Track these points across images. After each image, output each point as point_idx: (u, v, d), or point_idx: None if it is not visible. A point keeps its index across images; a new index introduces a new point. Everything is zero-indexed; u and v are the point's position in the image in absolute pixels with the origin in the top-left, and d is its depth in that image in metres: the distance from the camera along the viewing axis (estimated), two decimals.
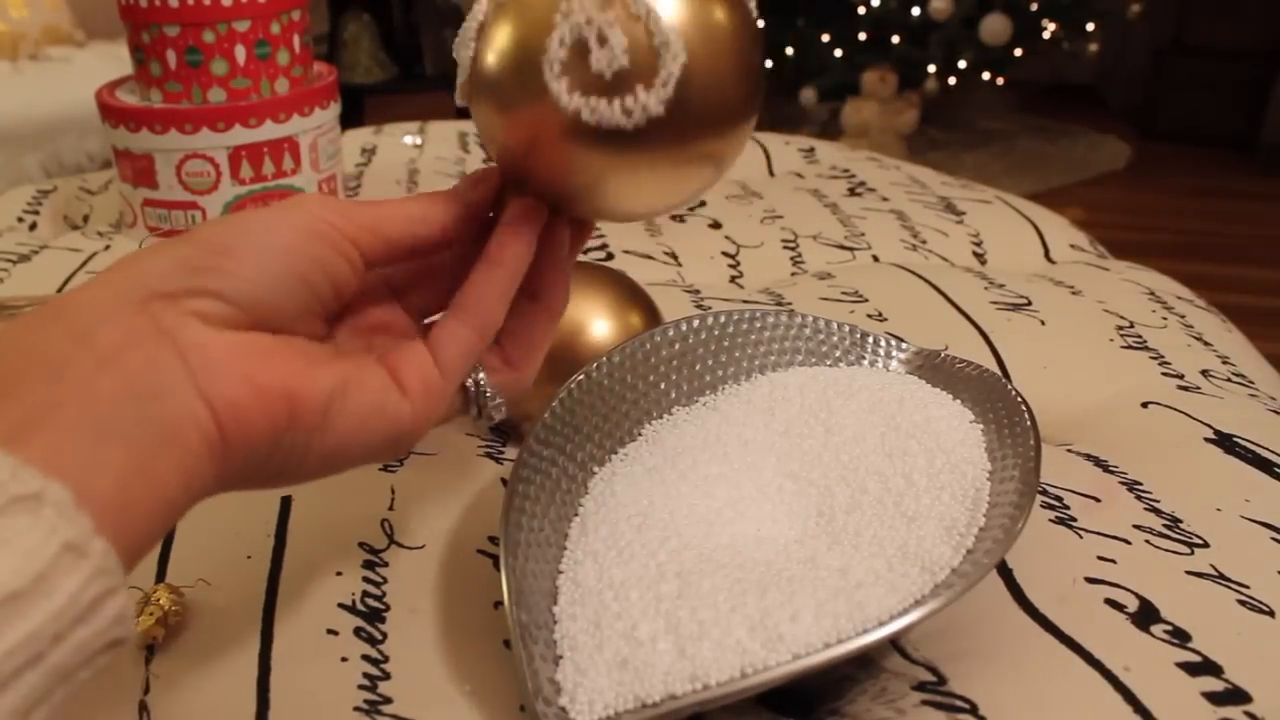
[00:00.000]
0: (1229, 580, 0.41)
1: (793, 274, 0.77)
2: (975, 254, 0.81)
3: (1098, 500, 0.47)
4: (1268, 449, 0.50)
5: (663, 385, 0.48)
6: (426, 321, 0.37)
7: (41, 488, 0.23)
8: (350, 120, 1.50)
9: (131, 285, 0.28)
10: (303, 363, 0.31)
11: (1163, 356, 0.61)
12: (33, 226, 0.91)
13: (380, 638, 0.39)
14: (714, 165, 0.36)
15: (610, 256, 0.77)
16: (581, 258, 0.76)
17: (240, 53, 0.79)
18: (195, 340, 0.28)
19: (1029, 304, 0.67)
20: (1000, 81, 2.61)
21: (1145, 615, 0.39)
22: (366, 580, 0.42)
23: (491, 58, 0.36)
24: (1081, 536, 0.44)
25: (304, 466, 0.31)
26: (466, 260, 0.36)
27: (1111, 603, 0.40)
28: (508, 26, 0.35)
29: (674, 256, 0.77)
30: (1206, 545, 0.43)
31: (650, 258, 0.77)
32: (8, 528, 0.22)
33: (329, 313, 0.34)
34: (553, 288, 0.38)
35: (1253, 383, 0.59)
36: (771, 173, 1.05)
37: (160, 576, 0.42)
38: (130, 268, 0.29)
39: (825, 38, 2.53)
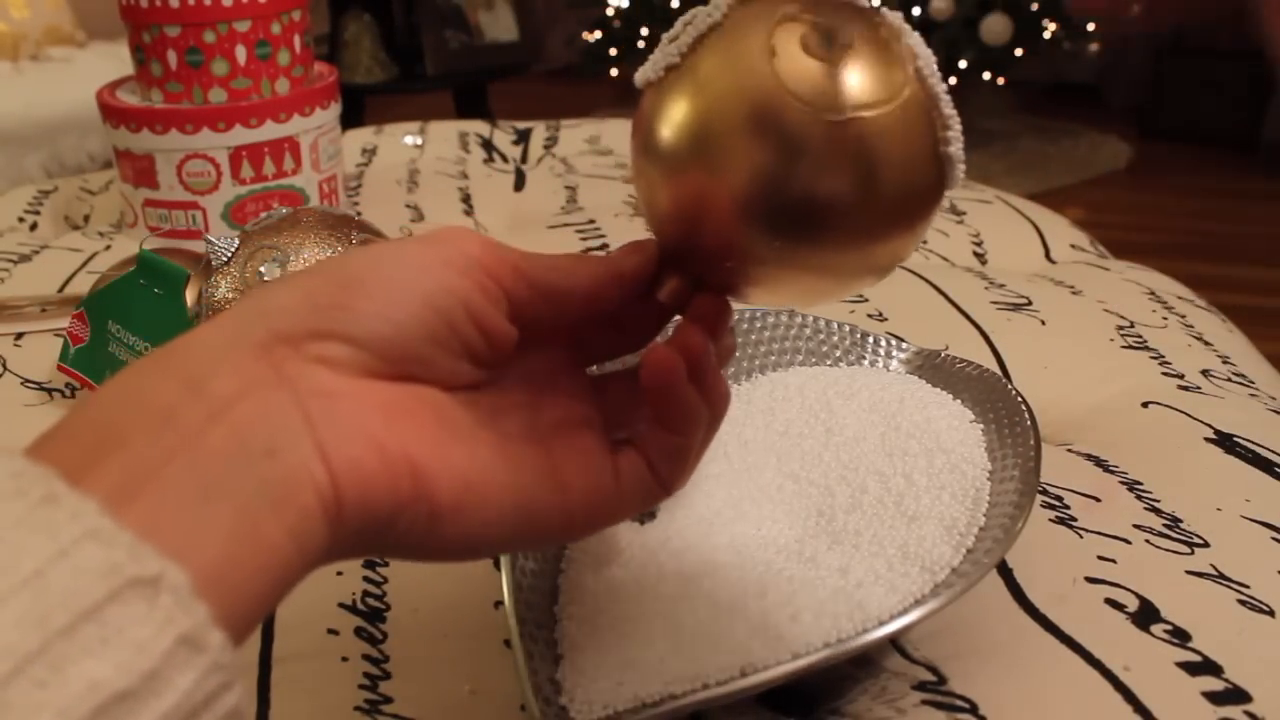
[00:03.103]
0: (1229, 580, 0.41)
1: None
2: (975, 254, 0.81)
3: (1098, 500, 0.47)
4: (1268, 449, 0.50)
5: None
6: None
7: (161, 571, 0.21)
8: (351, 120, 1.50)
9: (252, 325, 0.26)
10: (435, 429, 0.27)
11: (1163, 356, 0.61)
12: (34, 227, 0.91)
13: (380, 638, 0.39)
14: (892, 264, 0.32)
15: None
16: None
17: (241, 53, 0.79)
18: (319, 388, 0.26)
19: (1029, 304, 0.67)
20: (1001, 81, 2.61)
21: (1145, 615, 0.39)
22: (367, 580, 0.42)
23: (685, 109, 0.30)
24: (1081, 536, 0.44)
25: (430, 547, 0.28)
26: (625, 333, 0.33)
27: (1111, 602, 0.40)
28: (716, 78, 0.29)
29: None
30: (1206, 545, 0.43)
31: None
32: (121, 616, 0.20)
33: (480, 360, 0.29)
34: (715, 387, 0.31)
35: (1253, 383, 0.59)
36: None
37: None
38: (253, 305, 0.26)
39: None
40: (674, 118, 0.30)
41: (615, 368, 0.35)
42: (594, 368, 0.34)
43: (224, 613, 0.22)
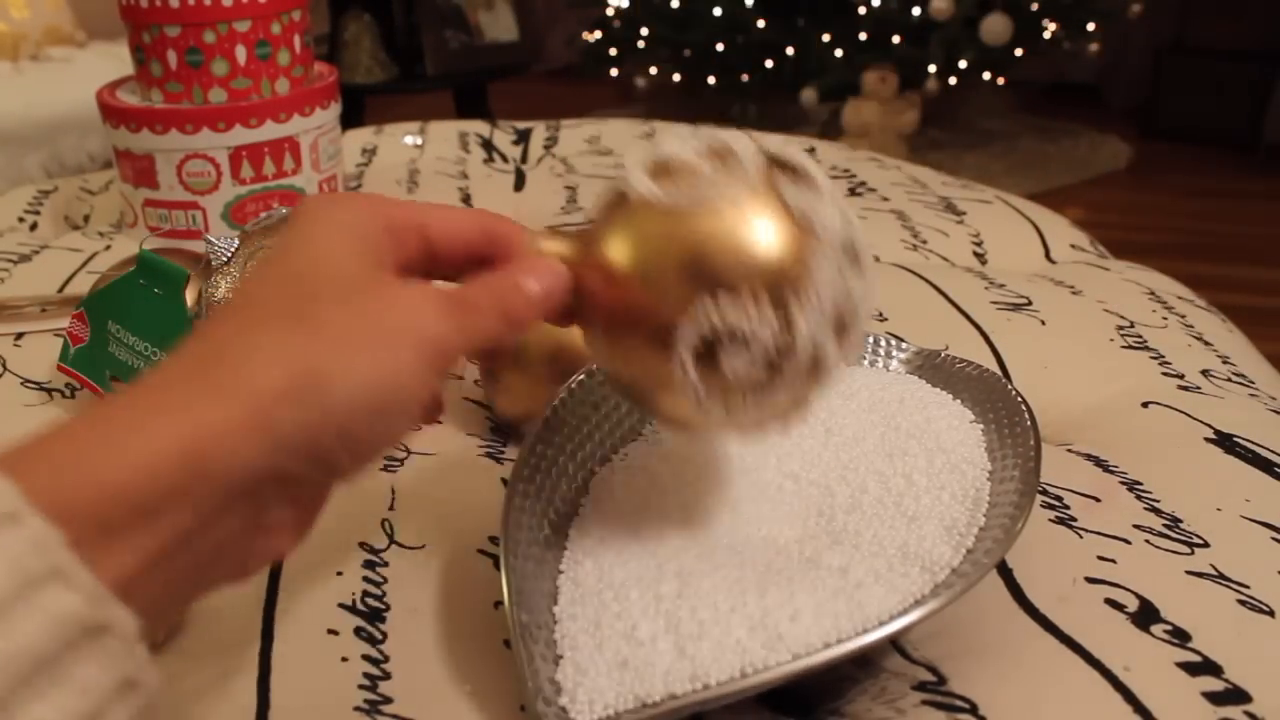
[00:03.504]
0: (1229, 580, 0.41)
1: None
2: (975, 254, 0.81)
3: (1098, 500, 0.47)
4: (1268, 449, 0.50)
5: None
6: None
7: (113, 620, 0.23)
8: (351, 120, 1.50)
9: (261, 456, 0.26)
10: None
11: (1163, 356, 0.61)
12: (33, 227, 0.91)
13: (380, 638, 0.39)
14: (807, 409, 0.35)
15: None
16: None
17: (241, 53, 0.79)
18: (277, 521, 0.29)
19: (1029, 304, 0.67)
20: (1001, 81, 2.61)
21: (1145, 615, 0.39)
22: (367, 580, 0.42)
23: (610, 290, 0.33)
24: (1081, 536, 0.44)
25: None
26: None
27: (1111, 603, 0.40)
28: (632, 265, 0.33)
29: None
30: (1206, 545, 0.43)
31: None
32: (72, 660, 0.22)
33: None
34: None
35: (1253, 383, 0.59)
36: None
37: None
38: (265, 421, 0.26)
39: (825, 38, 2.53)
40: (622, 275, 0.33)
41: None
42: None
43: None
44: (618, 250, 0.33)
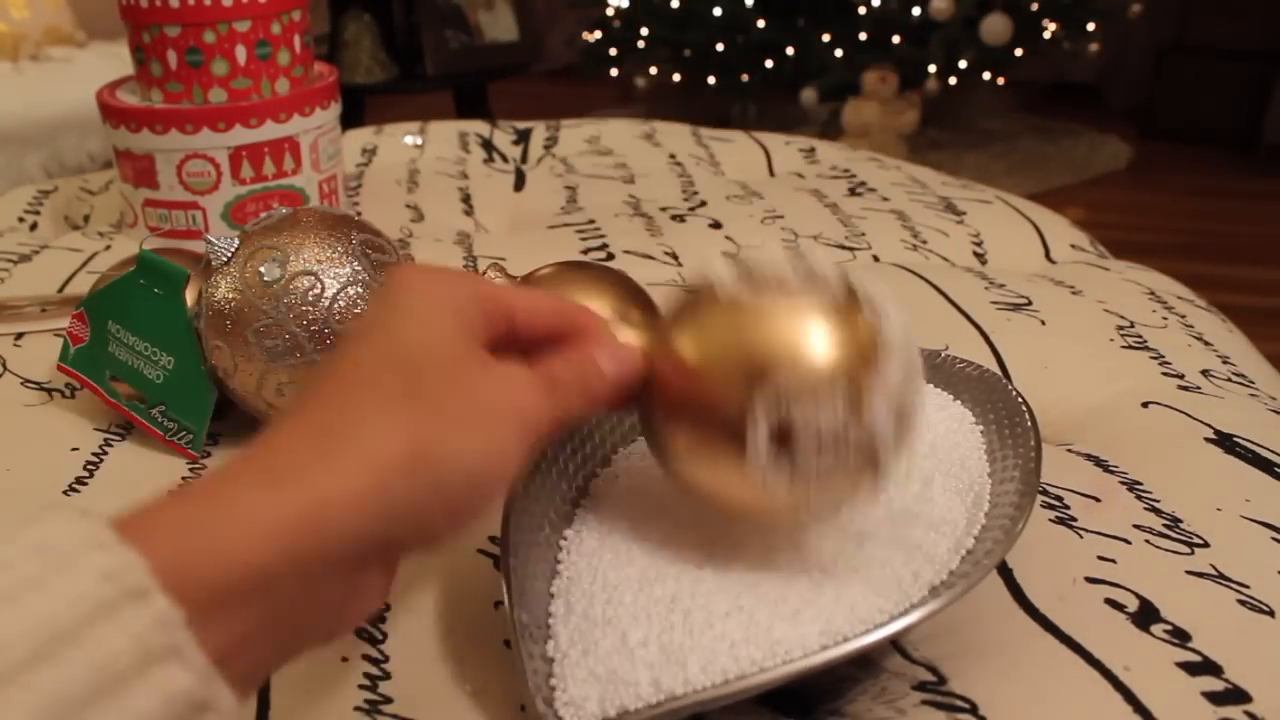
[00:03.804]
0: (1229, 580, 0.41)
1: None
2: (975, 254, 0.81)
3: (1098, 500, 0.47)
4: (1268, 449, 0.50)
5: None
6: None
7: (216, 697, 0.24)
8: (351, 120, 1.50)
9: (375, 523, 0.28)
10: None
11: (1163, 356, 0.61)
12: (33, 227, 0.91)
13: (380, 638, 0.39)
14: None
15: (610, 256, 0.77)
16: (581, 258, 0.76)
17: (241, 53, 0.79)
18: (372, 586, 0.30)
19: (1029, 304, 0.67)
20: (1001, 81, 2.61)
21: (1145, 615, 0.39)
22: None
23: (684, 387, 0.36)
24: (1081, 536, 0.44)
25: None
26: None
27: (1111, 603, 0.40)
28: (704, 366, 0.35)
29: (674, 256, 0.77)
30: (1207, 545, 0.43)
31: (650, 258, 0.77)
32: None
33: None
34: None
35: (1253, 383, 0.59)
36: (772, 173, 1.05)
37: None
38: (380, 489, 0.28)
39: (825, 38, 2.53)
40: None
41: None
42: None
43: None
44: (694, 340, 0.35)
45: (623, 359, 0.35)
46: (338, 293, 0.49)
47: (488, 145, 1.10)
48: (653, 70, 2.79)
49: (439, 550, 0.31)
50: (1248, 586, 0.41)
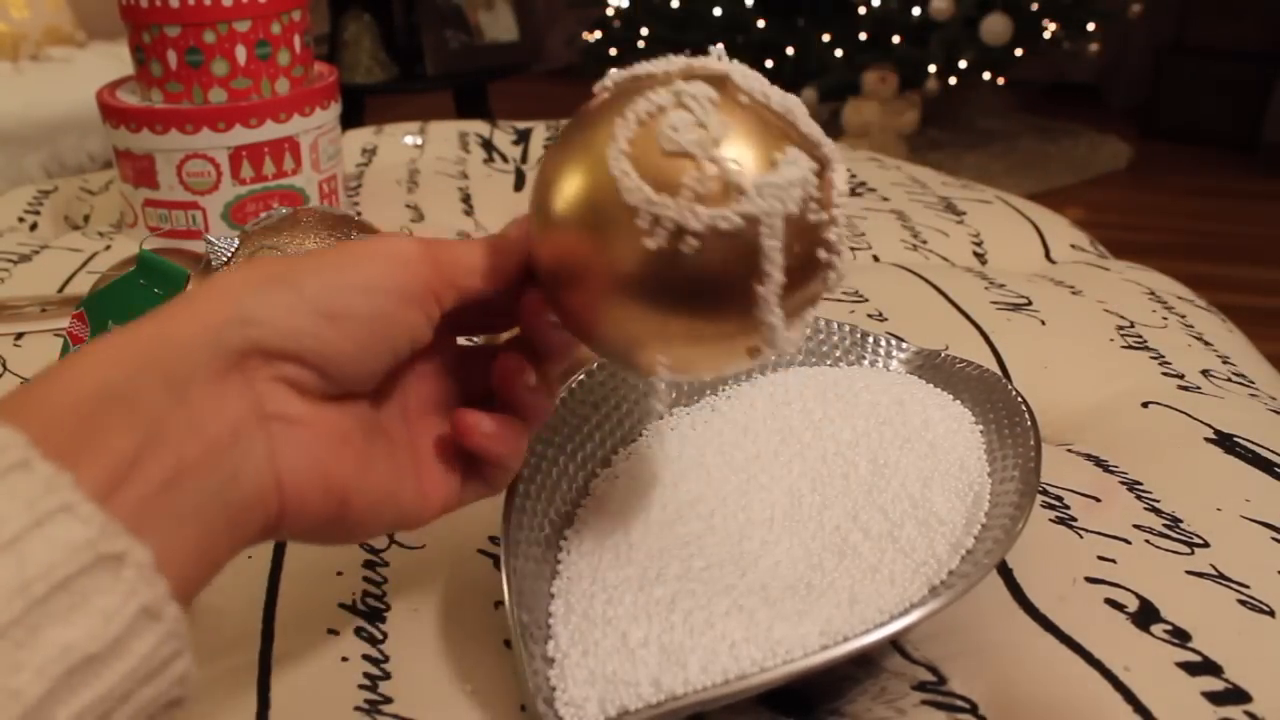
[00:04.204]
0: (1229, 580, 0.41)
1: None
2: (975, 254, 0.81)
3: (1098, 500, 0.47)
4: (1268, 449, 0.50)
5: (663, 386, 0.48)
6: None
7: (126, 548, 0.23)
8: (351, 120, 1.50)
9: (231, 329, 0.28)
10: (361, 460, 0.31)
11: (1163, 356, 0.61)
12: (33, 227, 0.91)
13: (380, 638, 0.39)
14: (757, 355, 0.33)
15: None
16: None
17: (241, 53, 0.79)
18: (283, 412, 0.29)
19: (1029, 304, 0.67)
20: (1001, 81, 2.61)
21: (1145, 615, 0.39)
22: (367, 580, 0.42)
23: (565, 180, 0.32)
24: (1081, 536, 0.44)
25: (315, 539, 0.32)
26: (491, 315, 0.36)
27: (1111, 603, 0.40)
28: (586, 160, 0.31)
29: None
30: (1206, 545, 0.43)
31: None
32: (90, 587, 0.22)
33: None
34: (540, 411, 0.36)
35: (1253, 383, 0.59)
36: None
37: None
38: (232, 304, 0.28)
39: (825, 38, 2.53)
40: (558, 184, 0.32)
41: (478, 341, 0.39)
42: (462, 340, 0.37)
43: (174, 594, 0.24)
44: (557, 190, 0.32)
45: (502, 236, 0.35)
46: None
47: (488, 145, 1.10)
48: None
49: (330, 365, 0.29)
50: (1248, 586, 0.41)
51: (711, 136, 0.29)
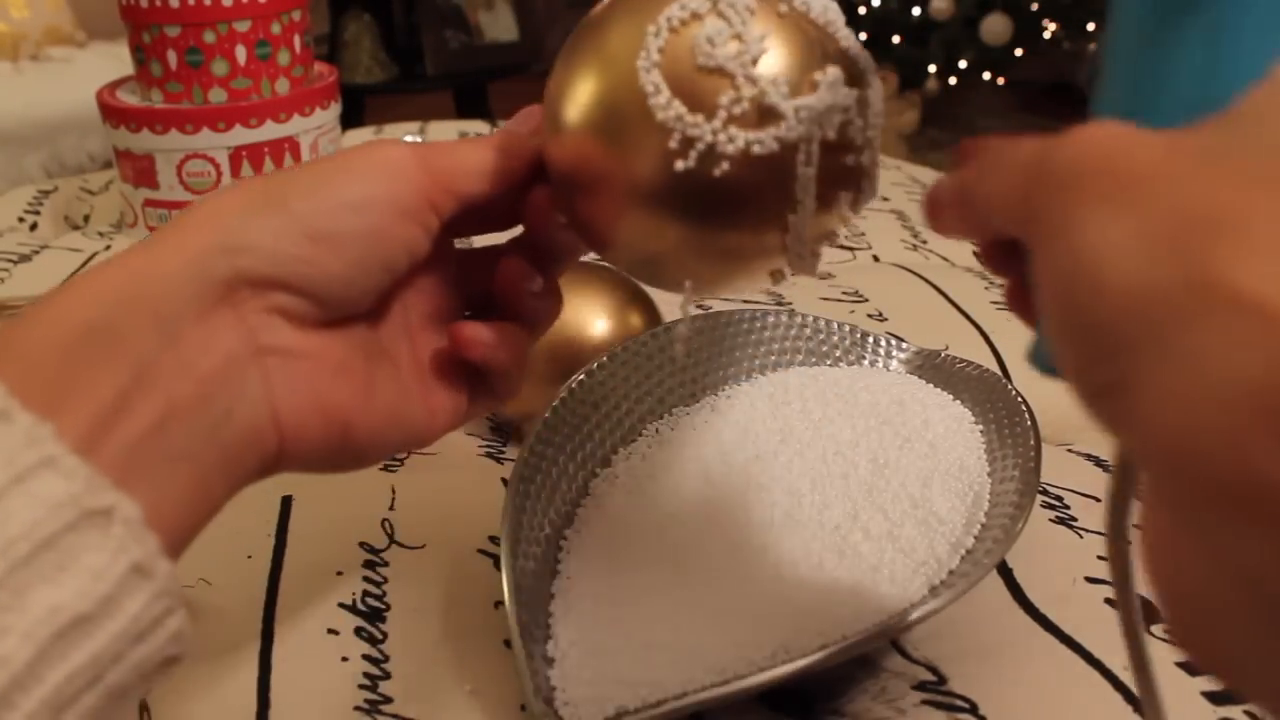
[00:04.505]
0: None
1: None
2: (975, 254, 0.81)
3: (1098, 500, 0.47)
4: None
5: (663, 386, 0.48)
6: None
7: (114, 503, 0.22)
8: (351, 120, 1.50)
9: (215, 259, 0.26)
10: (362, 386, 0.30)
11: None
12: (34, 227, 0.91)
13: (381, 637, 0.39)
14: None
15: None
16: (581, 258, 0.76)
17: (241, 53, 0.79)
18: (278, 345, 0.27)
19: None
20: (1001, 81, 2.61)
21: (1145, 615, 0.39)
22: (367, 580, 0.42)
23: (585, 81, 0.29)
24: (1081, 536, 0.44)
25: (325, 468, 0.31)
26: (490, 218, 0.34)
27: (1111, 603, 0.40)
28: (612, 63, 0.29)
29: None
30: None
31: None
32: (78, 544, 0.21)
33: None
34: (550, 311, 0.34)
35: None
36: None
37: None
38: (215, 232, 0.26)
39: None
40: (579, 85, 0.29)
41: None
42: (459, 242, 0.35)
43: (167, 544, 0.23)
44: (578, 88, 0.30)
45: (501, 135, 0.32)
46: None
47: None
48: None
49: (323, 290, 0.28)
50: None
51: (749, 52, 0.28)
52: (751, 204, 0.28)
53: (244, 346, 0.27)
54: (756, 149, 0.27)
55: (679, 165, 0.28)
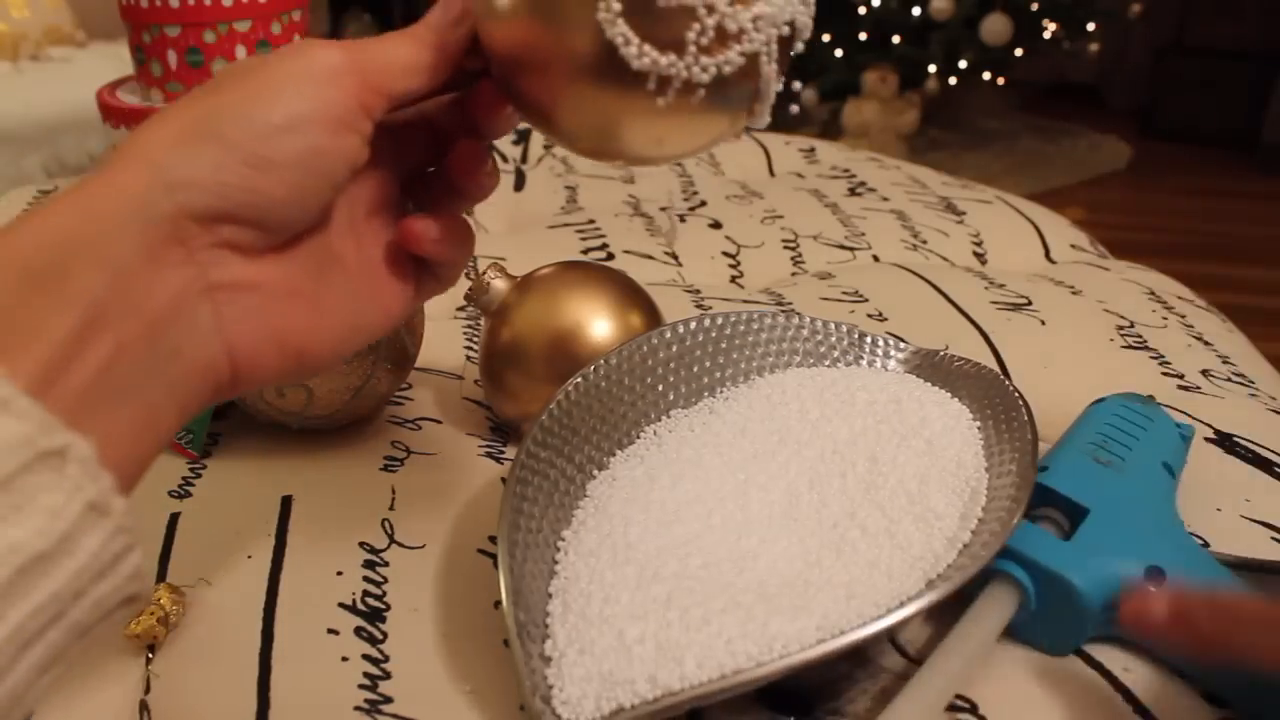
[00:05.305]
0: None
1: (793, 274, 0.77)
2: (975, 254, 0.81)
3: None
4: (1268, 449, 0.50)
5: (661, 387, 0.48)
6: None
7: (67, 443, 0.22)
8: None
9: (158, 196, 0.26)
10: (314, 307, 0.30)
11: (1163, 356, 0.61)
12: None
13: (380, 637, 0.39)
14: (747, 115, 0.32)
15: (610, 256, 0.77)
16: (581, 257, 0.76)
17: (241, 53, 0.79)
18: (228, 279, 0.28)
19: (1029, 304, 0.67)
20: (1001, 81, 2.61)
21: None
22: (367, 580, 0.42)
23: None
24: None
25: (276, 384, 0.32)
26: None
27: None
28: None
29: (674, 256, 0.77)
30: (1206, 545, 0.43)
31: (650, 258, 0.77)
32: (33, 485, 0.22)
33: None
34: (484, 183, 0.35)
35: (1253, 383, 0.59)
36: (772, 173, 1.05)
37: (161, 576, 0.42)
38: (154, 168, 0.26)
39: (826, 38, 2.53)
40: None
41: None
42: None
43: (120, 480, 0.24)
44: None
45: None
46: None
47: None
48: None
49: (268, 216, 0.28)
50: None
51: None
52: (724, 109, 0.31)
53: (194, 285, 0.27)
54: (727, 70, 0.29)
55: (660, 103, 0.29)
